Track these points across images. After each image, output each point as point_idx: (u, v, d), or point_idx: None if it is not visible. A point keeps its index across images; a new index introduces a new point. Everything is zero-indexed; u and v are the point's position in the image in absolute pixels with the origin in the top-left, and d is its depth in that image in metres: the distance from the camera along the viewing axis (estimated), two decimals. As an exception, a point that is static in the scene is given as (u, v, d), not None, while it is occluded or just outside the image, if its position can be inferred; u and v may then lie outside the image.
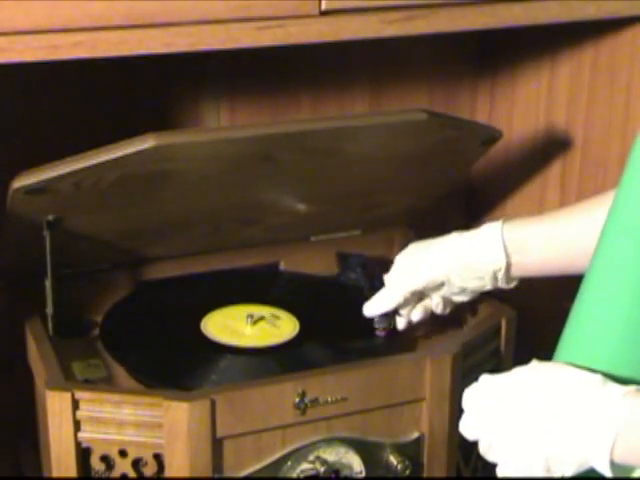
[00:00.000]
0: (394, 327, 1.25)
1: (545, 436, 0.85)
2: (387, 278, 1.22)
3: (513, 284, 1.18)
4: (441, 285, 1.19)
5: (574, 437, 0.84)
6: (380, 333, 1.24)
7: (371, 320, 1.25)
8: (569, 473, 0.86)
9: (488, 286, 1.17)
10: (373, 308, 1.22)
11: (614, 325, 0.88)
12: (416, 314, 1.22)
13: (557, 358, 0.92)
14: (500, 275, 1.15)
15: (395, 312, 1.24)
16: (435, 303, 1.21)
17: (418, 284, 1.19)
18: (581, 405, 0.84)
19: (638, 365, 0.87)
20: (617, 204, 0.91)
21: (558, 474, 0.86)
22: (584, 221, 1.09)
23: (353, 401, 1.10)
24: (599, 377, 0.86)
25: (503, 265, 1.14)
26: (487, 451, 0.90)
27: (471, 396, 0.91)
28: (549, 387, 0.87)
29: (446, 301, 1.22)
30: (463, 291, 1.19)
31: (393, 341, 1.25)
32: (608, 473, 0.83)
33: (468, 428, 0.91)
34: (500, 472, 0.89)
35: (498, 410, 0.88)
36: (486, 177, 1.63)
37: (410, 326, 1.25)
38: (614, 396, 0.83)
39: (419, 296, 1.22)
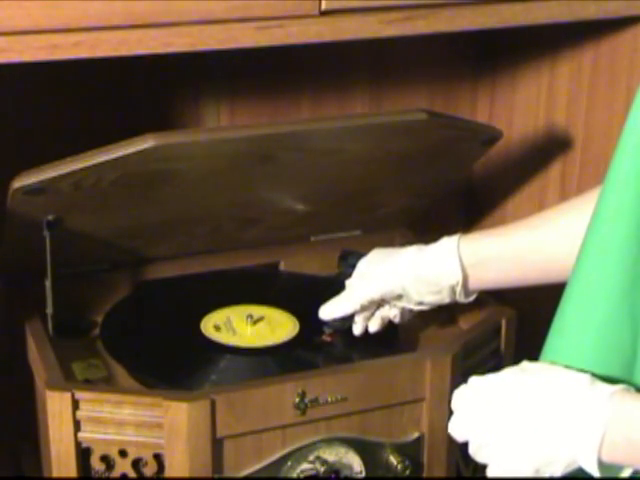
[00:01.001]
0: (349, 328, 1.23)
1: (533, 437, 0.85)
2: (348, 283, 1.22)
3: (471, 298, 1.18)
4: (399, 296, 1.19)
5: (562, 437, 0.84)
6: (326, 338, 1.23)
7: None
8: (558, 473, 0.86)
9: (446, 299, 1.17)
10: (329, 312, 1.21)
11: (596, 323, 0.89)
12: (373, 324, 1.22)
13: (543, 357, 0.92)
14: (458, 289, 1.15)
15: (350, 317, 1.24)
16: (393, 314, 1.22)
17: (375, 294, 1.18)
18: (569, 405, 0.84)
19: (620, 364, 0.87)
20: (603, 199, 0.91)
21: (547, 474, 0.86)
22: (541, 233, 1.11)
23: (353, 401, 1.10)
24: (587, 377, 0.86)
25: (460, 279, 1.14)
26: (476, 452, 0.90)
27: (460, 397, 0.92)
28: (537, 388, 0.87)
29: (404, 311, 1.22)
30: (421, 303, 1.19)
31: (393, 341, 1.25)
32: (596, 473, 0.83)
33: (457, 429, 0.91)
34: (490, 473, 0.89)
35: (487, 411, 0.88)
36: (486, 177, 1.63)
37: (365, 333, 1.24)
38: (601, 396, 0.84)
39: (378, 304, 1.21)
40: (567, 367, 0.88)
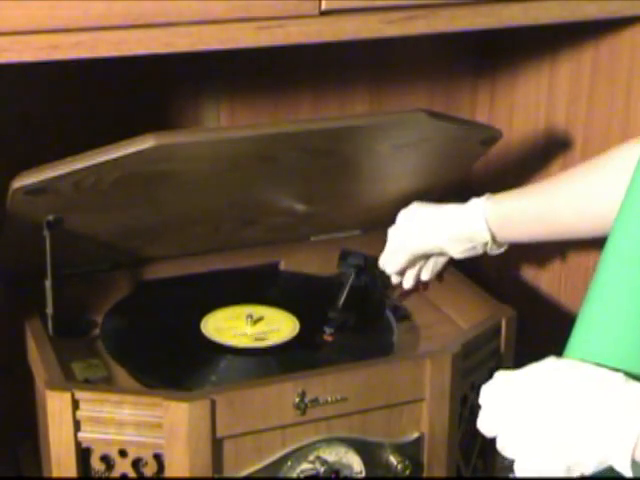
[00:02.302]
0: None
1: (565, 434, 0.84)
2: (392, 234, 1.30)
3: (503, 249, 1.26)
4: (439, 252, 1.29)
5: (595, 435, 0.83)
6: (327, 338, 1.23)
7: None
8: (588, 472, 0.85)
9: (481, 252, 1.26)
10: (385, 262, 1.32)
11: (627, 320, 0.88)
12: (425, 274, 1.33)
13: (570, 353, 0.91)
14: (489, 246, 1.24)
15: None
16: (434, 266, 1.32)
17: (419, 250, 1.28)
18: (602, 404, 0.83)
19: None
20: (624, 211, 0.91)
21: (577, 473, 0.85)
22: (564, 195, 1.16)
23: (353, 401, 1.10)
24: (620, 375, 0.85)
25: (489, 239, 1.23)
26: (504, 448, 0.89)
27: (488, 392, 0.91)
28: (569, 385, 0.86)
29: (444, 263, 1.33)
30: (461, 253, 1.27)
31: (394, 341, 1.25)
32: (629, 473, 0.82)
33: (485, 424, 0.90)
34: (517, 469, 0.88)
35: (516, 407, 0.87)
36: (486, 177, 1.63)
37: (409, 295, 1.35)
38: (636, 395, 0.83)
39: (423, 257, 1.31)
40: (598, 365, 0.87)
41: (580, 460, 0.84)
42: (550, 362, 0.89)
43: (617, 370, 0.86)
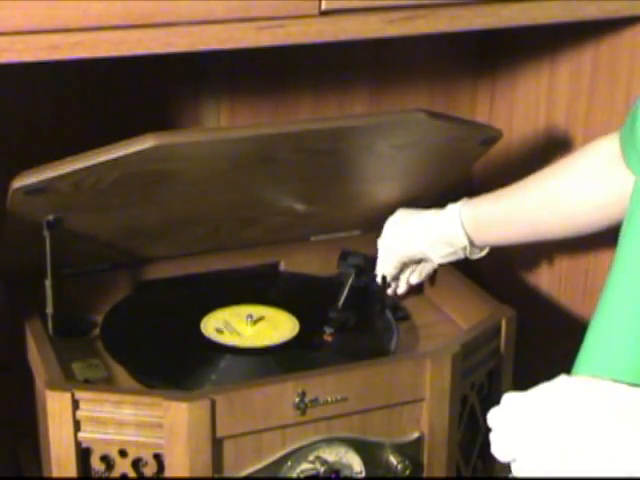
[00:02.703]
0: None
1: (588, 456, 0.82)
2: (380, 243, 1.34)
3: (483, 253, 1.29)
4: (421, 258, 1.32)
5: (621, 454, 0.80)
6: (327, 338, 1.23)
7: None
8: None
9: (462, 256, 1.29)
10: (385, 272, 1.34)
11: (638, 336, 0.87)
12: (413, 278, 1.36)
13: (581, 370, 0.90)
14: (467, 250, 1.27)
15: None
16: (420, 273, 1.35)
17: (401, 257, 1.32)
18: (627, 421, 0.81)
19: None
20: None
21: None
22: (537, 194, 1.19)
23: (353, 401, 1.10)
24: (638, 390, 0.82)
25: (466, 243, 1.26)
26: (522, 472, 0.86)
27: (500, 416, 0.87)
28: (587, 404, 0.83)
29: (429, 268, 1.35)
30: (442, 258, 1.30)
31: (394, 341, 1.25)
32: None
33: (501, 450, 0.87)
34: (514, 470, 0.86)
35: (532, 430, 0.84)
36: (486, 177, 1.63)
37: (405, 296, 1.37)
38: None
39: (405, 264, 1.34)
40: (614, 380, 0.85)
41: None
42: (564, 381, 0.86)
43: (636, 385, 0.83)
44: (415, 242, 1.29)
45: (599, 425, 0.82)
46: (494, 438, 0.87)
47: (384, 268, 1.33)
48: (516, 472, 0.87)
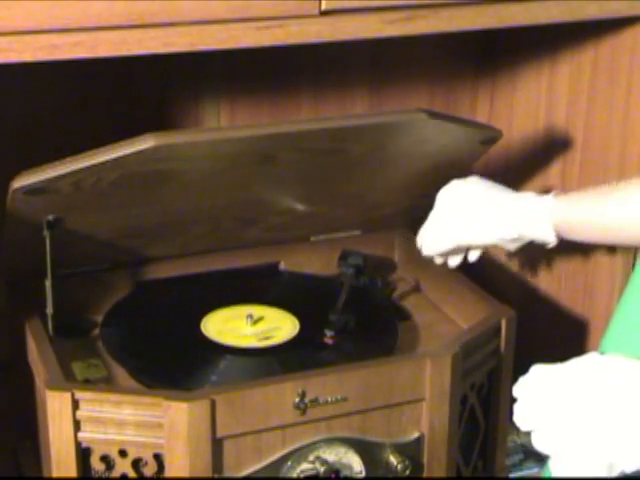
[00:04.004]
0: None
1: (609, 431, 0.82)
2: (436, 218, 1.25)
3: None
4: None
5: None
6: (327, 340, 1.23)
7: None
8: (630, 470, 0.83)
9: (533, 245, 1.22)
10: (430, 249, 1.27)
11: None
12: (473, 255, 1.29)
13: (609, 348, 0.89)
14: (548, 246, 1.19)
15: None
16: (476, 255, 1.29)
17: (468, 244, 1.25)
18: None
19: None
20: None
21: (617, 472, 0.83)
22: (633, 207, 1.10)
23: (353, 401, 1.10)
24: None
25: (553, 243, 1.18)
26: (541, 444, 0.86)
27: (526, 385, 0.88)
28: (612, 379, 0.84)
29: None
30: (516, 249, 1.23)
31: (394, 341, 1.25)
32: None
33: (522, 418, 0.88)
34: (554, 467, 0.86)
35: (556, 402, 0.85)
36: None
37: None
38: None
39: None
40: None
41: (623, 458, 0.82)
42: (593, 357, 0.87)
43: None
44: (489, 236, 1.21)
45: (625, 401, 0.82)
46: (517, 406, 0.88)
47: (435, 247, 1.26)
48: (535, 442, 0.87)
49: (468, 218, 1.22)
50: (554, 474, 0.86)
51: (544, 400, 0.86)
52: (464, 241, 1.24)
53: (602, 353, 0.89)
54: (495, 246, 1.25)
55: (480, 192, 1.23)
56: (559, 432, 0.85)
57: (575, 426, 0.84)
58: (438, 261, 1.30)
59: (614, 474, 0.83)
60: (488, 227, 1.21)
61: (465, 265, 1.33)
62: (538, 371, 0.88)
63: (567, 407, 0.85)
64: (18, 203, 1.12)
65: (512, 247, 1.22)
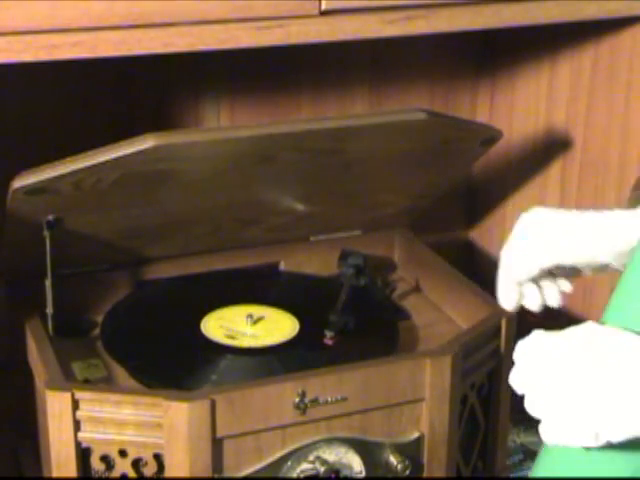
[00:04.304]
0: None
1: (599, 400, 0.82)
2: (518, 246, 1.06)
3: None
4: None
5: (630, 403, 0.81)
6: (327, 341, 1.23)
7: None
8: (616, 440, 0.82)
9: None
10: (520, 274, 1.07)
11: None
12: (551, 299, 1.10)
13: (609, 319, 0.89)
14: None
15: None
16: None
17: (567, 264, 1.05)
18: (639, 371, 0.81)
19: None
20: None
21: (603, 441, 0.83)
22: None
23: (353, 401, 1.10)
24: None
25: None
26: (532, 406, 0.86)
27: (523, 348, 0.88)
28: (606, 349, 0.83)
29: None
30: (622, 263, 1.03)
31: (394, 341, 1.25)
32: None
33: (517, 380, 0.88)
34: (543, 432, 0.85)
35: (550, 366, 0.85)
36: (486, 177, 1.63)
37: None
38: None
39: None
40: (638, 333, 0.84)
41: (610, 427, 0.82)
42: (590, 326, 0.86)
43: None
44: (595, 253, 1.02)
45: (615, 372, 0.82)
46: (514, 370, 0.88)
47: (519, 273, 1.05)
48: (527, 406, 0.87)
49: (564, 241, 1.05)
50: (542, 438, 0.87)
51: (538, 364, 0.86)
52: (564, 261, 1.04)
53: (602, 323, 0.88)
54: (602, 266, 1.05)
55: (569, 212, 1.06)
56: (550, 397, 0.85)
57: (566, 392, 0.84)
58: (528, 292, 1.08)
59: (599, 444, 0.83)
60: (592, 243, 1.03)
61: (465, 265, 1.33)
62: (536, 337, 0.89)
63: (560, 373, 0.85)
64: (18, 203, 1.12)
65: (624, 261, 1.02)
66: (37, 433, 1.18)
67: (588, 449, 0.84)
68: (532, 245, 1.05)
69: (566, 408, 0.84)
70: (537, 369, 0.86)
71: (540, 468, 0.90)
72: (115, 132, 1.15)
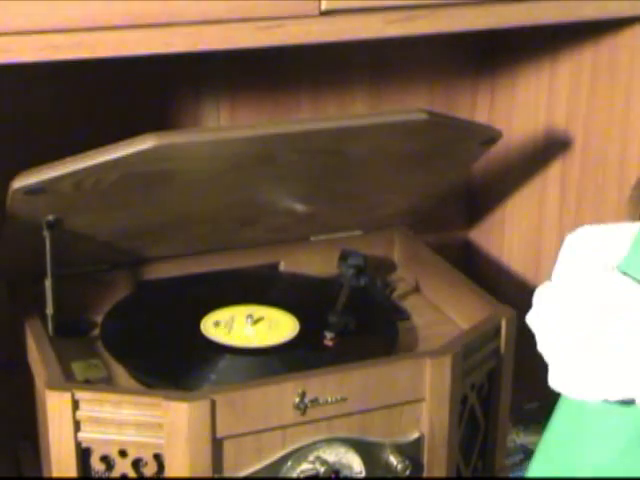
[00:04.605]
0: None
1: (609, 354, 0.80)
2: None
3: None
4: None
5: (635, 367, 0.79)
6: (328, 343, 1.22)
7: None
8: (614, 398, 0.81)
9: None
10: None
11: None
12: None
13: (629, 269, 0.87)
14: None
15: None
16: None
17: None
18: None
19: None
20: None
21: (601, 397, 0.81)
22: None
23: (353, 401, 1.10)
24: None
25: None
26: (543, 349, 0.85)
27: (545, 289, 0.86)
28: (632, 303, 0.81)
29: None
30: None
31: (394, 342, 1.25)
32: None
33: (532, 320, 0.86)
34: (550, 377, 0.84)
35: (569, 312, 0.83)
36: (486, 177, 1.63)
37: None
38: None
39: None
40: None
41: (614, 384, 0.80)
42: (618, 277, 0.83)
43: None
44: None
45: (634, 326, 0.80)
46: (534, 309, 0.86)
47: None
48: (539, 347, 0.85)
49: None
50: (549, 383, 0.85)
51: (557, 308, 0.84)
52: None
53: (624, 272, 0.85)
54: None
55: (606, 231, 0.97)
56: (561, 343, 0.83)
57: (580, 340, 0.82)
58: None
59: (599, 398, 0.81)
60: None
61: (465, 265, 1.33)
62: (559, 281, 0.86)
63: (578, 321, 0.82)
64: (18, 203, 1.12)
65: None
66: (37, 433, 1.18)
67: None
68: None
69: (576, 357, 0.82)
70: (556, 312, 0.84)
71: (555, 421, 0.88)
72: (115, 132, 1.15)
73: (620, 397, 0.81)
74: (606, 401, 0.82)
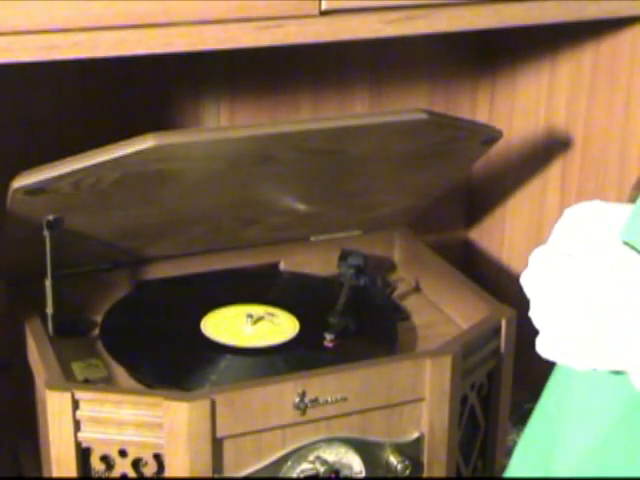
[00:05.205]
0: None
1: (601, 325, 0.77)
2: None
3: None
4: None
5: (630, 336, 0.76)
6: (328, 344, 1.22)
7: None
8: (602, 368, 0.79)
9: None
10: None
11: None
12: None
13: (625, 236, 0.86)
14: None
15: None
16: None
17: None
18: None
19: None
20: None
21: (590, 366, 0.79)
22: None
23: (353, 401, 1.10)
24: None
25: None
26: (534, 314, 0.82)
27: (540, 253, 0.83)
28: (627, 281, 0.78)
29: None
30: None
31: (394, 342, 1.25)
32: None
33: (527, 283, 0.83)
34: (538, 343, 0.81)
35: (564, 279, 0.80)
36: (486, 177, 1.63)
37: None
38: None
39: None
40: None
41: (603, 354, 0.78)
42: (620, 246, 0.81)
43: None
44: None
45: (629, 299, 0.78)
46: (528, 270, 0.84)
47: None
48: (530, 313, 0.83)
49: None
50: (538, 350, 0.83)
51: (553, 274, 0.81)
52: None
53: (624, 241, 0.83)
54: None
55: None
56: (554, 309, 0.81)
57: (572, 309, 0.79)
58: None
59: (588, 367, 0.79)
60: None
61: (465, 265, 1.33)
62: (554, 244, 0.83)
63: (572, 288, 0.80)
64: (18, 203, 1.12)
65: None
66: (37, 433, 1.18)
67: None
68: None
69: (567, 324, 0.80)
70: (550, 278, 0.82)
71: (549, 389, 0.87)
72: (115, 132, 1.15)
73: (609, 367, 0.80)
74: (595, 370, 0.81)
